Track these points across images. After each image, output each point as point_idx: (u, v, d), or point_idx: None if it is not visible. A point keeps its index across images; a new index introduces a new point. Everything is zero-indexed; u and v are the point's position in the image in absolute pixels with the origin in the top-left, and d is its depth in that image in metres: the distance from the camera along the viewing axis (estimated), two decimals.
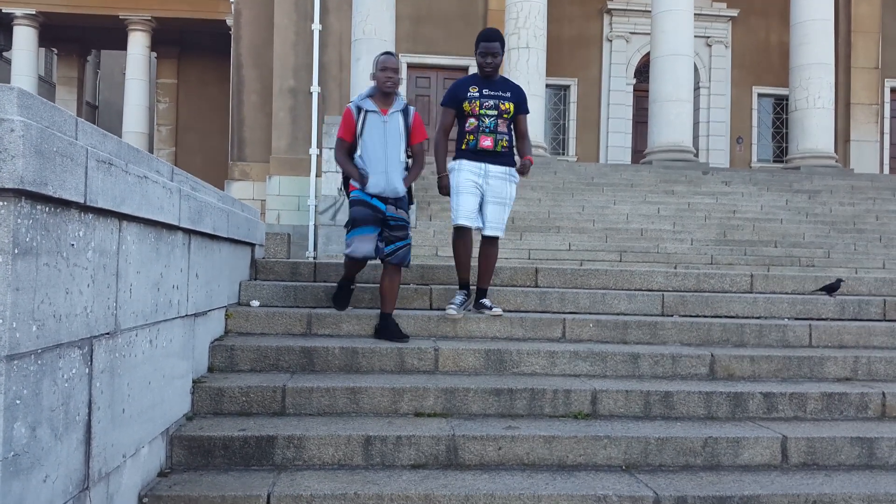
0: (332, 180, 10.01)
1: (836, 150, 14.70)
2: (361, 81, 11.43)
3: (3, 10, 20.50)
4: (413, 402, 3.64)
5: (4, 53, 22.52)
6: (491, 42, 4.47)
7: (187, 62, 22.88)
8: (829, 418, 3.88)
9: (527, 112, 4.64)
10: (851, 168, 15.41)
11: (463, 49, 14.80)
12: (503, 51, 4.58)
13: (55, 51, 24.65)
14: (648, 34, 14.34)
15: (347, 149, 4.46)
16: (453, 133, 4.66)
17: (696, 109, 16.83)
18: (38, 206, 1.87)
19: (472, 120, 4.50)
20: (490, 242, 4.65)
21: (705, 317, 4.97)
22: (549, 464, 3.32)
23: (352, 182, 4.45)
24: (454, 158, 4.60)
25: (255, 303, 4.77)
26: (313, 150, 13.35)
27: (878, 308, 5.24)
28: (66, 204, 2.01)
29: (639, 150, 16.39)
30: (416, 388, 3.66)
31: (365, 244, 4.30)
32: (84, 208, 2.12)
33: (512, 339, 4.46)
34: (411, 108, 4.52)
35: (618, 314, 4.93)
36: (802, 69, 13.88)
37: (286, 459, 3.18)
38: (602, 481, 3.14)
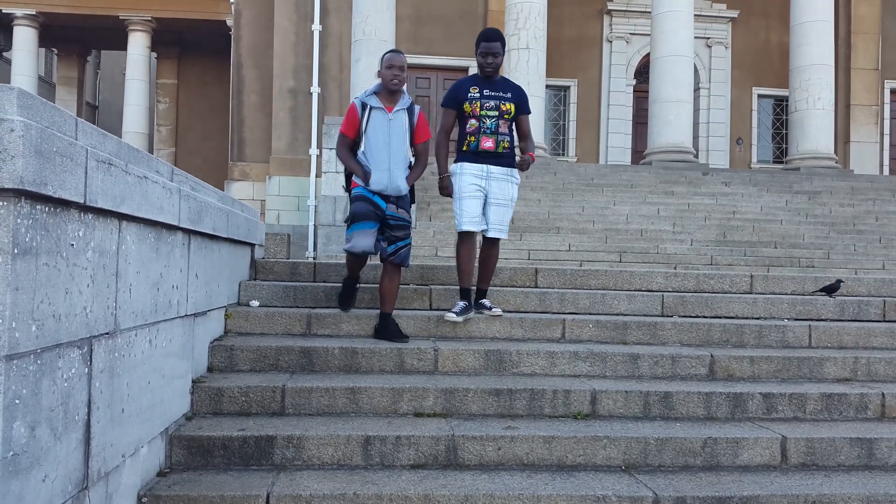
0: (332, 181, 10.01)
1: (835, 151, 14.71)
2: (361, 82, 11.44)
3: (3, 11, 20.51)
4: (413, 403, 3.64)
5: (4, 53, 22.53)
6: (492, 42, 4.44)
7: (187, 62, 22.89)
8: (829, 419, 3.88)
9: (528, 112, 4.61)
10: (851, 169, 15.42)
11: (463, 50, 14.81)
12: (504, 51, 4.54)
13: (55, 51, 24.66)
14: (648, 35, 14.35)
15: (349, 145, 4.42)
16: (454, 134, 4.64)
17: (696, 110, 16.84)
18: (38, 206, 1.87)
19: (472, 121, 4.46)
20: (492, 244, 4.63)
21: (705, 317, 4.97)
22: (549, 464, 3.32)
23: (354, 179, 4.41)
24: (455, 161, 4.57)
25: (255, 303, 4.77)
26: (313, 151, 13.36)
27: (877, 309, 5.24)
28: (65, 204, 2.01)
29: (639, 150, 16.40)
30: (415, 388, 3.66)
31: (364, 239, 4.26)
32: (84, 208, 2.12)
33: (512, 340, 4.46)
34: (416, 107, 4.49)
35: (617, 315, 4.93)
36: (802, 70, 13.89)
37: (285, 459, 3.18)
38: (601, 481, 3.14)
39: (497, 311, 4.56)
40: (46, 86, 25.71)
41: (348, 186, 4.51)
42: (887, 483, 3.29)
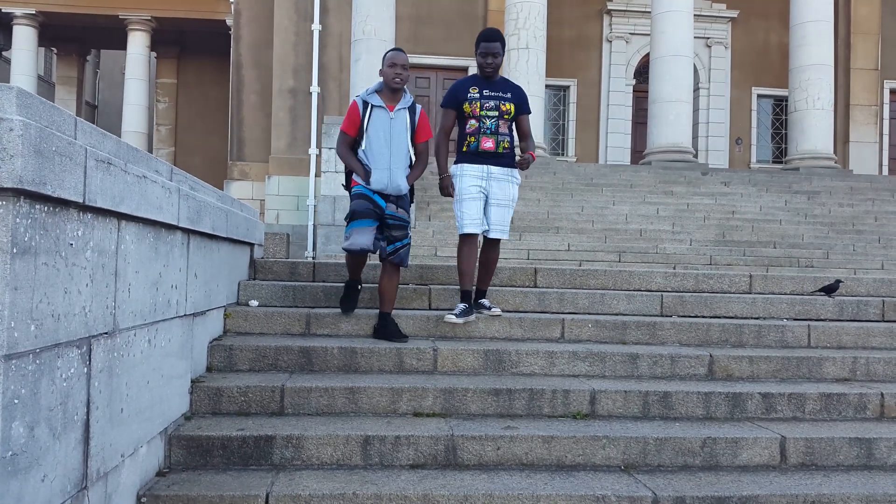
0: (332, 180, 10.01)
1: (835, 152, 14.72)
2: (361, 81, 11.43)
3: (3, 10, 20.50)
4: (412, 402, 3.64)
5: (4, 53, 22.52)
6: (492, 42, 4.42)
7: (187, 62, 22.88)
8: (828, 419, 3.89)
9: (528, 112, 4.58)
10: (850, 169, 15.43)
11: (463, 50, 14.81)
12: (504, 51, 4.52)
13: (55, 50, 24.65)
14: (648, 35, 14.36)
15: (350, 143, 4.39)
16: (453, 134, 4.63)
17: (696, 110, 16.85)
18: (37, 206, 1.87)
19: (472, 121, 4.44)
20: (493, 244, 4.60)
21: (704, 317, 4.97)
22: (548, 464, 3.32)
23: (354, 177, 4.39)
24: (455, 162, 4.54)
25: (254, 302, 4.77)
26: (312, 151, 13.36)
27: (876, 309, 5.24)
28: (64, 203, 2.01)
29: (638, 150, 16.41)
30: (414, 388, 3.66)
31: (362, 236, 4.22)
32: (83, 208, 2.12)
33: (511, 340, 4.46)
34: (418, 106, 4.45)
35: (617, 314, 4.94)
36: (802, 70, 13.89)
37: (285, 459, 3.18)
38: (601, 481, 3.14)
39: (496, 310, 4.56)
40: (46, 85, 25.70)
41: (348, 184, 4.48)
42: (886, 483, 3.29)
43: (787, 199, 11.94)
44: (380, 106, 4.31)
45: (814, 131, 13.79)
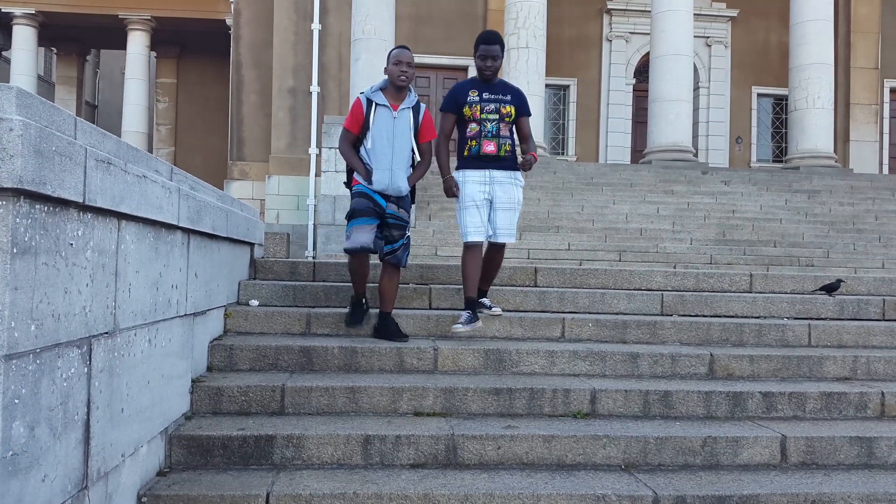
0: (332, 180, 10.01)
1: (835, 151, 14.72)
2: (361, 81, 11.43)
3: (3, 10, 20.49)
4: (412, 402, 3.64)
5: (4, 53, 22.51)
6: (491, 45, 4.36)
7: (187, 62, 22.88)
8: (829, 418, 3.88)
9: (528, 114, 4.53)
10: (851, 168, 15.43)
11: (462, 49, 14.80)
12: (503, 54, 4.48)
13: (54, 50, 24.64)
14: (648, 34, 14.35)
15: (352, 141, 4.33)
16: (453, 137, 4.60)
17: (696, 109, 16.85)
18: (37, 206, 1.87)
19: (473, 125, 4.39)
20: (498, 248, 4.55)
21: (704, 316, 4.97)
22: (549, 463, 3.32)
23: (355, 176, 4.34)
24: (456, 168, 4.49)
25: (255, 302, 4.77)
26: (312, 150, 13.35)
27: (877, 308, 5.24)
28: (64, 203, 2.00)
29: (638, 149, 16.41)
30: (415, 387, 3.66)
31: (363, 234, 4.18)
32: (83, 208, 2.12)
33: (511, 339, 4.46)
34: (422, 106, 4.40)
35: (617, 314, 4.93)
36: (802, 69, 13.89)
37: (285, 459, 3.18)
38: (601, 481, 3.14)
39: (497, 310, 4.56)
40: (46, 85, 25.69)
41: (350, 182, 4.43)
42: (887, 482, 3.29)
43: (788, 198, 11.94)
44: (383, 105, 4.25)
45: (814, 130, 13.79)
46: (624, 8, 16.89)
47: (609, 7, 16.88)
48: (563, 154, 16.89)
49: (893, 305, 5.26)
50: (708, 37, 17.20)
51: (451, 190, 4.45)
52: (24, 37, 20.83)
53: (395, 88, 4.30)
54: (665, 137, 13.20)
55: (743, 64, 17.39)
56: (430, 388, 3.66)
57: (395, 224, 4.27)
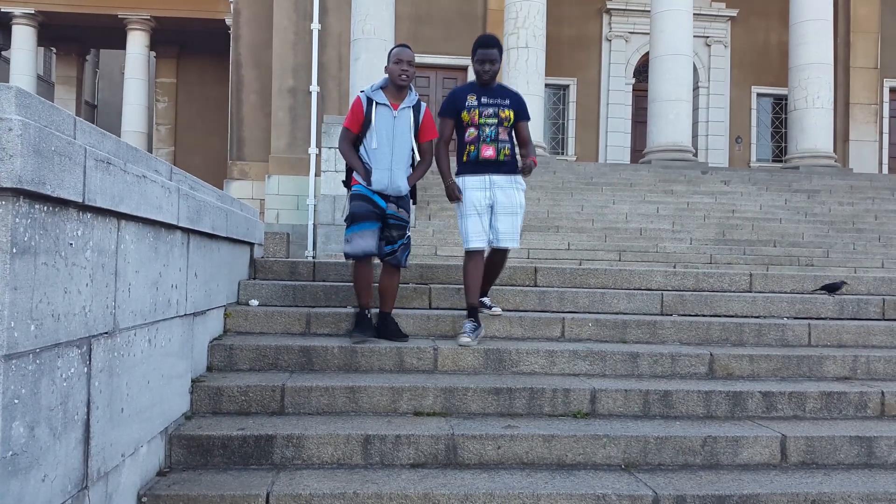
0: (331, 180, 10.01)
1: (835, 150, 14.72)
2: (360, 81, 11.42)
3: (2, 10, 20.49)
4: (412, 402, 3.63)
5: (3, 53, 22.51)
6: (489, 49, 4.33)
7: (186, 62, 22.88)
8: (829, 417, 3.88)
9: (527, 119, 4.49)
10: (850, 168, 15.43)
11: (462, 49, 14.79)
12: (501, 57, 4.43)
13: (54, 50, 24.64)
14: (648, 34, 14.35)
15: (352, 140, 4.29)
16: (452, 144, 4.56)
17: (696, 109, 16.85)
18: (37, 206, 1.86)
19: (471, 130, 4.35)
20: (500, 252, 4.52)
21: (704, 316, 4.97)
22: (549, 463, 3.32)
23: (354, 175, 4.31)
24: (456, 174, 4.46)
25: (254, 302, 4.77)
26: (312, 150, 13.35)
27: (877, 307, 5.24)
28: (64, 203, 2.00)
29: (638, 149, 16.41)
30: (415, 387, 3.65)
31: (364, 240, 4.15)
32: (82, 207, 2.12)
33: (511, 339, 4.46)
34: (423, 105, 4.36)
35: (617, 313, 4.93)
36: (802, 69, 13.89)
37: (285, 459, 3.18)
38: (601, 480, 3.14)
39: (497, 310, 4.56)
40: (45, 85, 25.68)
41: (349, 181, 4.40)
42: (887, 481, 3.29)
43: (787, 197, 11.94)
44: (384, 104, 4.22)
45: (814, 130, 13.79)
46: (623, 8, 16.89)
47: (609, 7, 16.88)
48: (562, 154, 16.89)
49: (893, 305, 5.26)
50: (707, 36, 17.20)
51: (454, 195, 4.40)
52: (23, 36, 20.83)
53: (395, 87, 4.26)
54: (665, 137, 13.20)
55: (743, 64, 17.40)
56: (430, 387, 3.66)
57: (395, 224, 4.25)
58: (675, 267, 8.53)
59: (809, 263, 9.39)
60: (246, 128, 15.05)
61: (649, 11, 13.80)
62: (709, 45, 17.30)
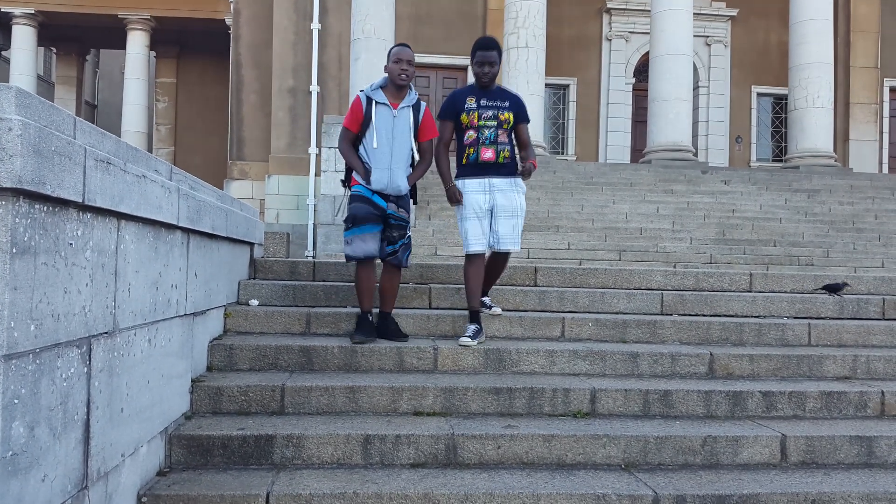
0: (332, 180, 10.01)
1: (835, 150, 14.72)
2: (360, 80, 11.42)
3: (2, 10, 20.49)
4: (412, 402, 3.63)
5: (3, 53, 22.51)
6: (488, 51, 4.31)
7: (186, 62, 22.88)
8: (829, 417, 3.89)
9: (527, 121, 4.46)
10: (850, 167, 15.43)
11: (462, 49, 14.80)
12: (500, 59, 4.41)
13: (54, 50, 24.64)
14: (648, 33, 14.35)
15: (351, 139, 4.27)
16: (452, 146, 4.54)
17: (696, 109, 16.84)
18: (37, 206, 1.86)
19: (470, 132, 4.33)
20: (502, 256, 4.49)
21: (704, 316, 4.97)
22: (549, 463, 3.32)
23: (354, 175, 4.29)
24: (455, 177, 4.44)
25: (254, 302, 4.77)
26: (312, 150, 13.35)
27: (877, 307, 5.24)
28: (64, 203, 2.00)
29: (638, 149, 16.41)
30: (415, 387, 3.65)
31: (366, 244, 4.14)
32: (82, 207, 2.12)
33: (511, 339, 4.46)
34: (423, 104, 4.35)
35: (617, 313, 4.93)
36: (802, 69, 13.89)
37: (285, 458, 3.18)
38: (601, 480, 3.14)
39: (497, 310, 4.56)
40: (45, 85, 25.69)
41: (348, 181, 4.38)
42: (887, 481, 3.29)
43: (788, 197, 11.94)
44: (383, 103, 4.20)
45: (814, 129, 13.80)
46: (623, 7, 16.88)
47: (609, 6, 16.87)
48: (562, 153, 16.89)
49: (893, 304, 5.26)
50: (707, 36, 17.20)
51: (455, 198, 4.38)
52: (23, 36, 20.83)
53: (395, 87, 4.25)
54: (665, 137, 13.20)
55: (743, 63, 17.39)
56: (429, 387, 3.66)
57: (395, 224, 4.24)
58: (675, 267, 8.53)
59: (809, 263, 9.39)
60: (246, 128, 15.05)
61: (649, 11, 13.80)
62: (709, 45, 17.30)
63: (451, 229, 9.23)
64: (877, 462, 3.52)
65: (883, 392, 3.96)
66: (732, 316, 5.01)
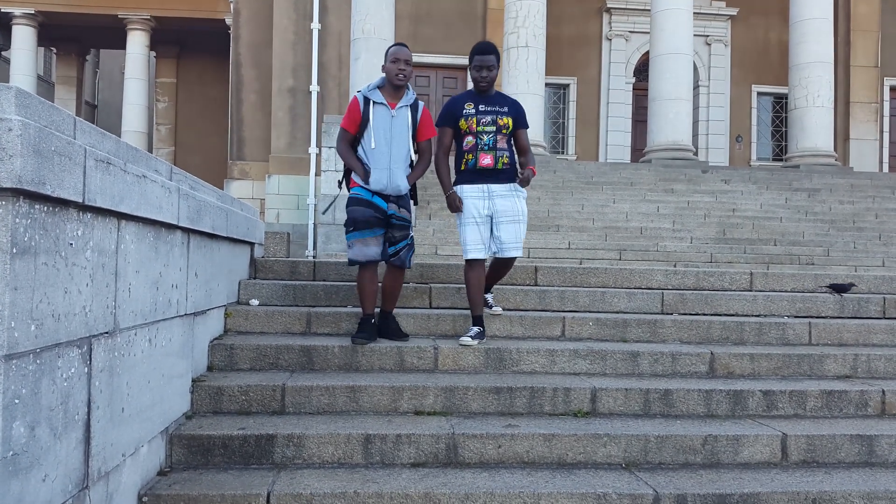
0: (332, 179, 10.01)
1: (835, 149, 14.71)
2: (360, 80, 11.43)
3: (2, 10, 20.49)
4: (413, 401, 3.64)
5: (3, 53, 22.51)
6: (486, 55, 4.28)
7: (186, 61, 22.88)
8: (829, 416, 3.89)
9: (526, 126, 4.43)
10: (851, 166, 15.42)
11: (462, 48, 14.80)
12: (498, 64, 4.37)
13: (54, 50, 24.65)
14: (648, 33, 14.34)
15: (350, 140, 4.25)
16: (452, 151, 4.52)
17: (696, 108, 16.84)
18: (37, 206, 1.86)
19: (469, 138, 4.30)
20: (506, 261, 4.46)
21: (705, 315, 4.96)
22: (549, 462, 3.32)
23: (353, 177, 4.26)
24: (454, 183, 4.41)
25: (255, 302, 4.77)
26: (312, 150, 13.35)
27: (877, 306, 5.24)
28: (64, 203, 2.00)
29: (638, 148, 16.41)
30: (415, 386, 3.66)
31: (368, 247, 4.11)
32: (82, 207, 2.12)
33: (511, 338, 4.46)
34: (421, 103, 4.32)
35: (617, 312, 4.93)
36: (802, 68, 13.88)
37: (286, 458, 3.18)
38: (602, 479, 3.14)
39: (497, 309, 4.56)
40: (45, 85, 25.69)
41: (347, 182, 4.36)
42: (888, 480, 3.29)
43: (788, 196, 11.94)
44: (381, 103, 4.18)
45: (814, 129, 13.79)
46: (623, 7, 16.88)
47: (609, 6, 16.87)
48: (563, 153, 16.88)
49: (894, 303, 5.26)
50: (708, 35, 17.19)
51: (455, 205, 4.34)
52: (23, 37, 20.84)
53: (392, 87, 4.22)
54: (665, 136, 13.19)
55: (743, 62, 17.39)
56: (430, 387, 3.66)
57: (397, 225, 4.21)
58: (675, 266, 8.53)
59: (810, 262, 9.39)
60: (246, 127, 15.05)
61: (649, 10, 13.79)
62: (709, 44, 17.30)
63: (452, 229, 9.23)
64: (877, 461, 3.52)
65: (883, 391, 3.96)
66: (733, 315, 5.00)
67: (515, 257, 4.44)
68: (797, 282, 5.59)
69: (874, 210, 11.53)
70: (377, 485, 2.96)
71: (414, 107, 4.28)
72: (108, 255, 2.35)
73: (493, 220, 4.34)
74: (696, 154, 14.18)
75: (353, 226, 4.15)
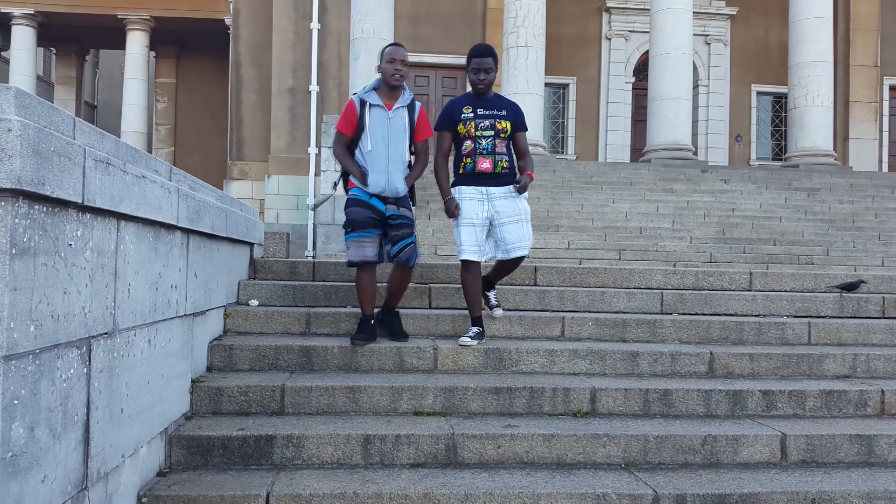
0: (331, 179, 10.01)
1: (835, 148, 14.72)
2: (360, 80, 11.44)
3: (2, 10, 20.49)
4: (412, 401, 3.64)
5: (3, 53, 22.51)
6: (483, 58, 4.24)
7: (186, 61, 22.88)
8: (829, 416, 3.89)
9: (525, 129, 4.39)
10: (850, 166, 15.43)
11: (461, 48, 14.81)
12: (496, 66, 4.33)
13: (54, 50, 24.64)
14: (647, 32, 14.35)
15: (347, 143, 4.23)
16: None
17: (695, 108, 16.84)
18: (36, 206, 1.86)
19: (468, 142, 4.27)
20: (512, 262, 4.43)
21: (704, 315, 4.96)
22: (549, 462, 3.32)
23: (351, 179, 4.24)
24: (453, 185, 4.38)
25: (254, 302, 4.77)
26: (312, 150, 13.35)
27: (877, 305, 5.24)
28: (63, 203, 2.00)
29: (638, 148, 16.41)
30: (415, 386, 3.66)
31: (365, 249, 4.09)
32: (82, 208, 2.12)
33: (511, 338, 4.46)
34: (417, 104, 4.30)
35: (617, 312, 4.93)
36: (801, 67, 13.89)
37: (285, 459, 3.18)
38: (601, 479, 3.14)
39: (498, 311, 4.54)
40: (45, 85, 25.69)
41: (345, 185, 4.34)
42: (887, 480, 3.29)
43: (787, 196, 11.94)
44: (377, 105, 4.16)
45: (813, 128, 13.80)
46: (623, 6, 16.88)
47: (608, 5, 16.87)
48: (562, 153, 16.89)
49: (893, 303, 5.26)
50: (707, 35, 17.20)
51: (452, 211, 4.30)
52: (23, 37, 20.84)
53: (388, 87, 4.19)
54: (664, 136, 13.20)
55: (742, 62, 17.39)
56: (429, 387, 3.66)
57: (399, 223, 4.18)
58: (674, 266, 8.53)
59: (809, 262, 9.39)
60: (246, 128, 15.05)
61: (649, 10, 13.80)
62: (708, 44, 17.30)
63: (451, 229, 9.21)
64: (877, 461, 3.52)
65: (883, 391, 3.96)
66: (732, 315, 5.00)
67: (524, 256, 4.41)
68: (797, 281, 5.59)
69: (874, 209, 11.54)
70: (376, 485, 2.97)
71: (411, 107, 4.25)
72: (108, 256, 2.35)
73: (494, 223, 4.32)
74: (695, 154, 14.19)
75: (352, 227, 4.14)
